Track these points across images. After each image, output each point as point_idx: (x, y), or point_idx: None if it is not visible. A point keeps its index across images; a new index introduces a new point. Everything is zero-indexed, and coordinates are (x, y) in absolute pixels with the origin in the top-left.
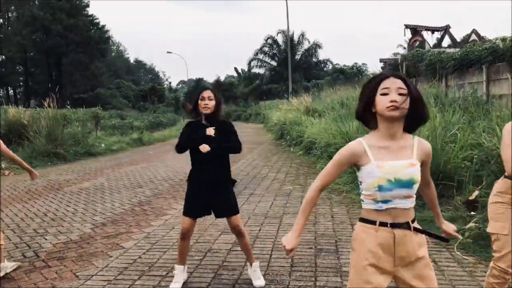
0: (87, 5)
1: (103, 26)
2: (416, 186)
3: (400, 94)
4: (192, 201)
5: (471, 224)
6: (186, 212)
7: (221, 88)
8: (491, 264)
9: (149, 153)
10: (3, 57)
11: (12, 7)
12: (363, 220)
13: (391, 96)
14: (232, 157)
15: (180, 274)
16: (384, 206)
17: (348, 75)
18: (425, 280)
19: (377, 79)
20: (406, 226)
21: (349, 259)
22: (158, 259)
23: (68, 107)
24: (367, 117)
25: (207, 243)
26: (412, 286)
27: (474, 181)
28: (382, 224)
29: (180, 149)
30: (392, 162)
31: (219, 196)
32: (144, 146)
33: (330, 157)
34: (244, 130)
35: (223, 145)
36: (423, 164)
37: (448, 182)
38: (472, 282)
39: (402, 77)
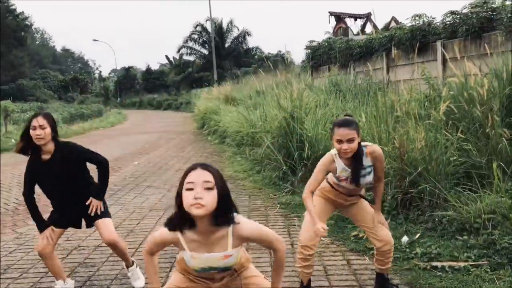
0: None
1: (21, 13)
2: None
3: (206, 189)
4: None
5: None
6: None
7: (152, 77)
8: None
9: None
10: None
11: None
12: None
13: (195, 191)
14: (143, 149)
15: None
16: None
17: (273, 63)
18: None
19: (186, 171)
20: None
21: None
22: (19, 260)
23: None
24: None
25: (77, 240)
26: None
27: None
28: None
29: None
30: (207, 254)
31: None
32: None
33: (238, 145)
34: (172, 120)
35: (100, 189)
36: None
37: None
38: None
39: (210, 169)
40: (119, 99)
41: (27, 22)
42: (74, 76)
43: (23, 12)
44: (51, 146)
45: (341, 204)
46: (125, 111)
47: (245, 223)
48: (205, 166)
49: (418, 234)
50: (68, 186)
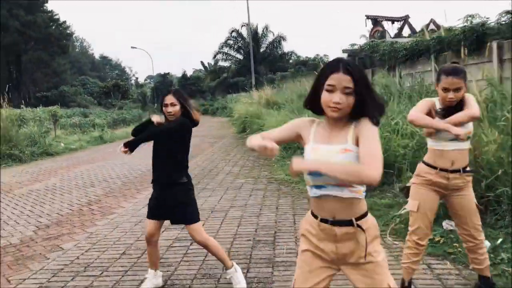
0: (45, 1)
1: (64, 22)
2: None
3: (345, 94)
4: (151, 203)
5: (403, 210)
6: (147, 214)
7: (188, 83)
8: (407, 237)
9: (108, 151)
10: None
11: None
12: (311, 212)
13: (335, 95)
14: (193, 151)
15: (151, 277)
16: (318, 192)
17: (310, 66)
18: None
19: (327, 71)
20: (348, 223)
21: (283, 249)
22: (96, 258)
23: (23, 106)
24: (317, 105)
25: None
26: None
27: (412, 167)
28: (323, 220)
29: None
30: (324, 146)
31: (173, 200)
32: (105, 144)
33: (286, 149)
34: (210, 124)
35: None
36: None
37: (389, 170)
38: (396, 266)
39: (351, 72)
40: (156, 104)
41: (68, 31)
42: (116, 82)
43: (65, 21)
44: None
45: (444, 186)
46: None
47: (366, 122)
48: (346, 70)
49: (500, 239)
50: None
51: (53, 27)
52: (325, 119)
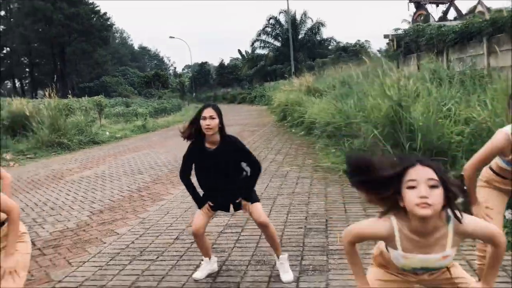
0: None
1: (104, 14)
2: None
3: (431, 187)
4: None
5: (459, 200)
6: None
7: (225, 71)
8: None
9: (152, 140)
10: (8, 49)
11: None
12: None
13: (419, 190)
14: None
15: (205, 264)
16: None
17: (351, 52)
18: None
19: (403, 168)
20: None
21: (336, 237)
22: (150, 243)
23: (70, 96)
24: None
25: None
26: None
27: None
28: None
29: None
30: (421, 256)
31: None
32: (148, 133)
33: (329, 137)
34: (248, 113)
35: (248, 188)
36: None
37: (442, 158)
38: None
39: (430, 165)
40: (194, 94)
41: (109, 22)
42: (156, 72)
43: (106, 13)
44: (216, 137)
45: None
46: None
47: (467, 218)
48: (424, 163)
49: None
50: (225, 175)
51: (94, 19)
52: (410, 227)
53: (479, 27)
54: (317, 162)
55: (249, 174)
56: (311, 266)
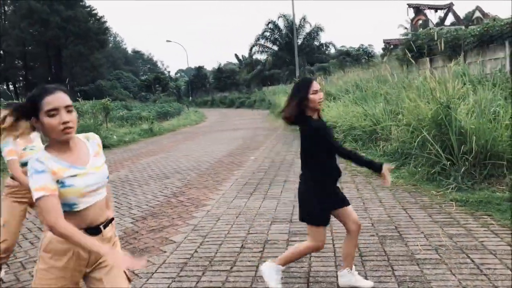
0: None
1: (101, 17)
2: None
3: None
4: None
5: None
6: (324, 221)
7: (223, 76)
8: None
9: (163, 143)
10: (1, 52)
11: (9, 0)
12: None
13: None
14: (252, 143)
15: (346, 275)
16: None
17: (354, 57)
18: None
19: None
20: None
21: (417, 245)
22: (216, 253)
23: (79, 99)
24: None
25: (261, 233)
26: None
27: None
28: None
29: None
30: None
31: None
32: (155, 137)
33: (355, 140)
34: (251, 117)
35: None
36: None
37: (497, 161)
38: None
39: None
40: (190, 98)
41: (106, 26)
42: (156, 75)
43: (103, 16)
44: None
45: None
46: (200, 109)
47: None
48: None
49: None
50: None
51: (91, 22)
52: None
53: (500, 30)
54: (351, 166)
55: None
56: (407, 277)
